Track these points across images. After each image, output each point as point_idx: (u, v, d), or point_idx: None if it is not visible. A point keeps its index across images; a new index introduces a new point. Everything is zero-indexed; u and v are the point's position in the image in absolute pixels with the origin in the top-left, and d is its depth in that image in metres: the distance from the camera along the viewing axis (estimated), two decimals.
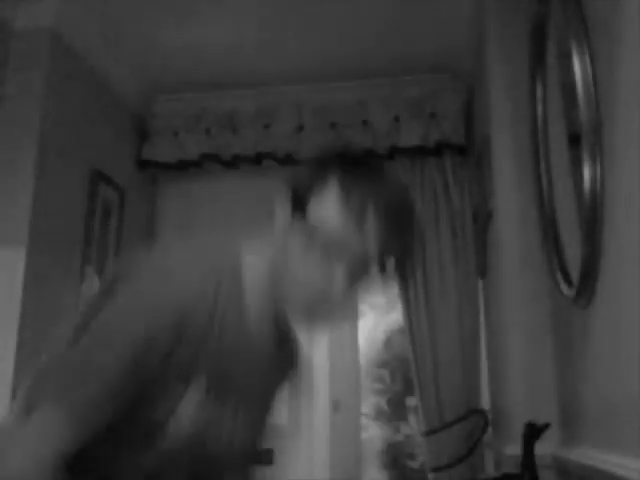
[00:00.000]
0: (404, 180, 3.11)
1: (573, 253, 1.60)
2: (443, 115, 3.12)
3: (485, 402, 2.87)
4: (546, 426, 1.77)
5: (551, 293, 2.00)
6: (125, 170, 3.24)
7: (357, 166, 1.07)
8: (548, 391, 2.00)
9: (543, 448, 1.80)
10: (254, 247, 1.12)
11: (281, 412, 3.04)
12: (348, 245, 0.99)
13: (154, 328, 0.97)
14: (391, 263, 1.04)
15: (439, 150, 3.09)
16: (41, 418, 0.93)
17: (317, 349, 3.08)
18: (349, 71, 3.21)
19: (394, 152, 3.13)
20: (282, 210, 1.07)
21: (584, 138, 1.38)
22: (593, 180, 1.36)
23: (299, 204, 1.04)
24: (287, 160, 3.19)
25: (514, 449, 1.93)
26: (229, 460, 1.14)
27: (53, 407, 0.93)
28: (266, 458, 2.91)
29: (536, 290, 2.08)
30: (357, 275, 1.01)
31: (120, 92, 3.22)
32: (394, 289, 3.13)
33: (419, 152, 3.10)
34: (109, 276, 1.32)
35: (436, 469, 2.82)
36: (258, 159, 3.23)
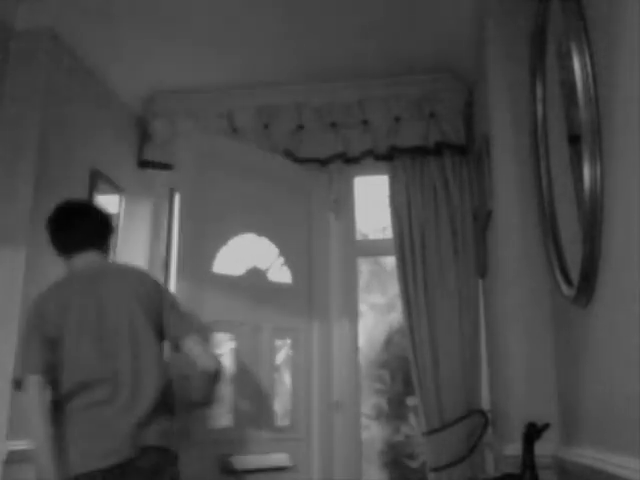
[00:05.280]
0: (403, 180, 3.11)
1: (573, 253, 1.60)
2: (443, 115, 3.12)
3: (485, 402, 2.87)
4: (546, 426, 1.77)
5: (551, 293, 2.00)
6: (125, 170, 3.24)
7: None
8: (548, 391, 2.00)
9: (543, 448, 1.80)
10: None
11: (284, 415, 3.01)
12: None
13: None
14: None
15: (439, 150, 3.09)
16: None
17: (317, 349, 3.07)
18: (349, 71, 3.21)
19: (394, 152, 3.13)
20: None
21: (584, 138, 1.38)
22: (593, 180, 1.36)
23: None
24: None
25: (514, 449, 1.93)
26: None
27: None
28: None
29: (536, 290, 2.08)
30: None
31: (120, 92, 3.22)
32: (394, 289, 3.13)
33: (419, 152, 3.11)
34: None
35: (436, 469, 2.82)
36: None
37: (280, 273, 3.07)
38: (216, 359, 2.03)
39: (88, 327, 1.93)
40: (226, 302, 2.74)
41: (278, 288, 3.02)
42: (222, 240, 2.82)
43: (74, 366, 1.90)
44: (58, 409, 1.88)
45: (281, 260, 3.07)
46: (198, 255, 2.68)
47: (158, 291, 2.09)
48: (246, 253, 2.94)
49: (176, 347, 2.05)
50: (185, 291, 2.54)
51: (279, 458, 2.77)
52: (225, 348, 2.81)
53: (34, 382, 1.88)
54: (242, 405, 2.73)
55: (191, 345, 1.99)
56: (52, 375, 1.90)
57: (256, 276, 2.94)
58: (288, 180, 3.14)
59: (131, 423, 1.83)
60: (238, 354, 2.78)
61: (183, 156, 2.84)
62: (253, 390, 2.78)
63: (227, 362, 2.76)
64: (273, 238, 3.03)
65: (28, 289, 2.39)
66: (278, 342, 3.01)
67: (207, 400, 2.12)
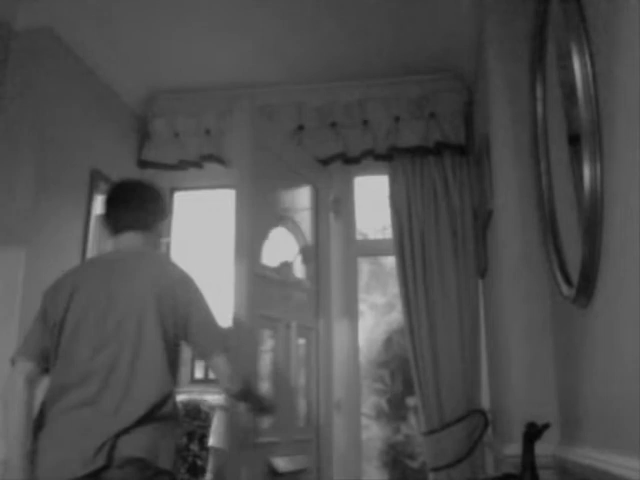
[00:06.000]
0: (403, 180, 3.11)
1: (573, 253, 1.60)
2: (443, 115, 3.12)
3: (485, 402, 2.87)
4: (546, 426, 1.77)
5: (551, 293, 2.00)
6: (125, 170, 3.24)
7: None
8: (548, 391, 2.00)
9: (543, 448, 1.80)
10: None
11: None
12: None
13: None
14: None
15: (439, 150, 3.09)
16: None
17: (321, 349, 3.07)
18: (349, 71, 3.21)
19: (394, 152, 3.13)
20: None
21: (584, 138, 1.38)
22: (593, 180, 1.36)
23: None
24: None
25: (514, 449, 1.93)
26: None
27: None
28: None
29: (536, 290, 2.08)
30: None
31: (120, 92, 3.22)
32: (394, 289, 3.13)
33: (419, 152, 3.11)
34: None
35: (436, 469, 2.82)
36: None
37: (300, 270, 3.06)
38: (241, 381, 1.89)
39: (92, 316, 1.77)
40: (270, 296, 2.71)
41: (299, 285, 3.00)
42: (264, 233, 2.77)
43: (68, 358, 1.75)
44: (43, 409, 1.74)
45: (300, 257, 3.05)
46: (253, 248, 2.62)
47: (185, 293, 1.84)
48: (279, 247, 2.91)
49: (203, 359, 1.97)
50: (244, 285, 2.46)
51: (302, 460, 2.75)
52: (267, 345, 2.76)
53: (22, 369, 1.77)
54: (280, 406, 2.68)
55: (217, 364, 1.83)
56: (47, 365, 1.80)
57: (287, 271, 2.91)
58: (300, 175, 3.12)
59: (112, 431, 1.63)
60: (276, 352, 2.75)
61: (240, 150, 2.69)
62: (288, 390, 2.76)
63: (267, 360, 2.72)
64: (295, 234, 3.02)
65: (28, 289, 2.39)
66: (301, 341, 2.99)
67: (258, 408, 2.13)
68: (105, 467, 1.60)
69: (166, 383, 1.75)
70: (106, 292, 1.80)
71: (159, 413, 1.70)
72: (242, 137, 2.67)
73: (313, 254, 3.13)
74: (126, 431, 1.64)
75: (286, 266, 2.91)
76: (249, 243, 2.55)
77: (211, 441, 3.50)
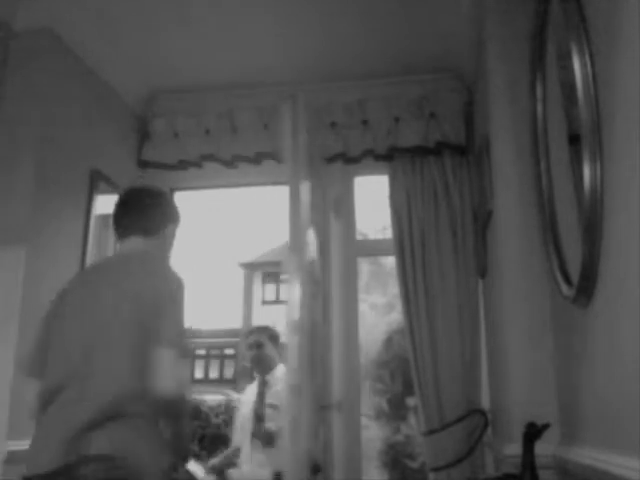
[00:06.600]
0: (403, 180, 3.11)
1: (573, 253, 1.60)
2: (443, 115, 3.12)
3: (485, 402, 2.87)
4: (546, 426, 1.77)
5: (551, 293, 2.00)
6: (125, 170, 3.24)
7: None
8: (548, 391, 2.00)
9: (543, 448, 1.80)
10: None
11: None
12: None
13: None
14: None
15: (439, 150, 3.09)
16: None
17: (318, 349, 3.07)
18: (349, 71, 3.21)
19: (394, 152, 3.13)
20: None
21: (584, 138, 1.38)
22: (593, 180, 1.36)
23: None
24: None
25: (514, 449, 1.93)
26: None
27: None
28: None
29: (536, 290, 2.08)
30: None
31: (120, 92, 3.22)
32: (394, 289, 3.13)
33: (419, 152, 3.10)
34: None
35: (436, 469, 2.82)
36: (258, 159, 3.24)
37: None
38: (181, 388, 1.71)
39: (74, 323, 1.78)
40: (311, 295, 2.69)
41: (319, 284, 2.98)
42: (304, 232, 2.70)
43: (51, 364, 1.77)
44: (40, 408, 1.73)
45: (319, 256, 3.03)
46: (303, 246, 2.57)
47: (161, 301, 1.76)
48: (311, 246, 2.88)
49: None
50: (301, 283, 2.41)
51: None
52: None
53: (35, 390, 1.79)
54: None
55: (163, 358, 1.67)
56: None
57: (314, 269, 2.89)
58: (313, 172, 3.10)
59: (76, 427, 1.61)
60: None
61: (293, 145, 2.61)
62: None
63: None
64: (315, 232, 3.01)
65: (28, 289, 2.39)
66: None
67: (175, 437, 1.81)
68: (73, 463, 1.58)
69: (132, 380, 1.67)
70: (87, 298, 1.82)
71: (130, 411, 1.65)
72: (296, 132, 2.61)
73: (321, 253, 3.12)
74: (91, 428, 1.60)
75: (313, 264, 2.91)
76: (304, 240, 2.52)
77: (236, 440, 3.53)
